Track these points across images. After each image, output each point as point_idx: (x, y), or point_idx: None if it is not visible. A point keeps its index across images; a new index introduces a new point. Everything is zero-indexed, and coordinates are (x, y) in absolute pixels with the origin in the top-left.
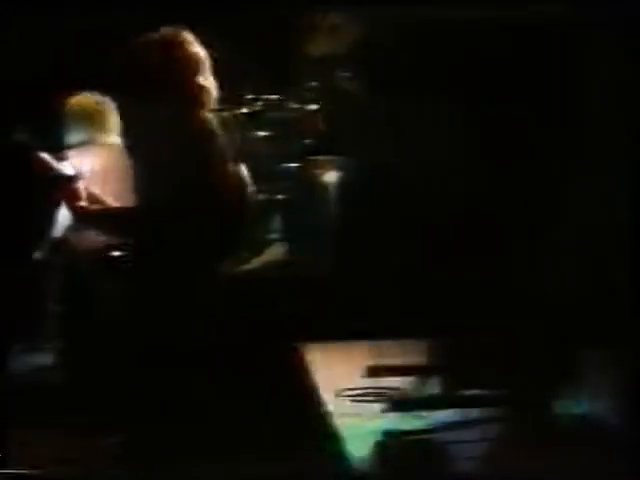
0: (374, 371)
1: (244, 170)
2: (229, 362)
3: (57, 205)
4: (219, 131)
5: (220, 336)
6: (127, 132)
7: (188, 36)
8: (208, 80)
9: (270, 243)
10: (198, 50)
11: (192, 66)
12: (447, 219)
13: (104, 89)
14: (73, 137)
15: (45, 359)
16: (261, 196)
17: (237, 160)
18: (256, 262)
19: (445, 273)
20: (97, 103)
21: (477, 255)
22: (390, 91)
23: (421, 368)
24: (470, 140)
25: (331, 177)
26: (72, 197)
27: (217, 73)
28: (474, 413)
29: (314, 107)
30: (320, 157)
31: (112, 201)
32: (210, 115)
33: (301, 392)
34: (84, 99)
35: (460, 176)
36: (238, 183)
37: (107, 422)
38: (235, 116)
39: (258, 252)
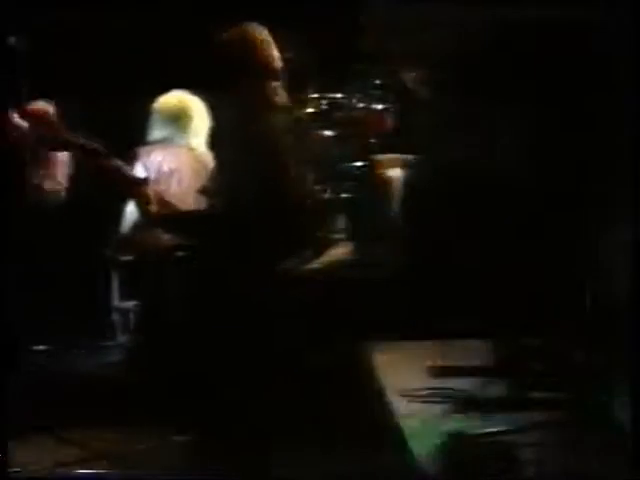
0: (439, 371)
1: (309, 170)
2: (293, 362)
3: (127, 205)
4: (286, 131)
5: (285, 335)
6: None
7: (267, 36)
8: (279, 81)
9: (335, 243)
10: (274, 51)
11: (267, 67)
12: (512, 220)
13: (183, 87)
14: (154, 135)
15: (110, 356)
16: (326, 195)
17: (303, 160)
18: (320, 262)
19: (511, 274)
20: (180, 102)
21: (543, 257)
22: (457, 90)
23: (486, 369)
24: (539, 141)
25: (397, 176)
26: (142, 199)
27: (285, 72)
28: (538, 415)
29: (380, 106)
30: (386, 156)
31: (181, 201)
32: (278, 116)
33: (366, 392)
34: (169, 98)
35: (527, 178)
36: (303, 183)
37: (173, 420)
38: (302, 116)
39: (322, 252)
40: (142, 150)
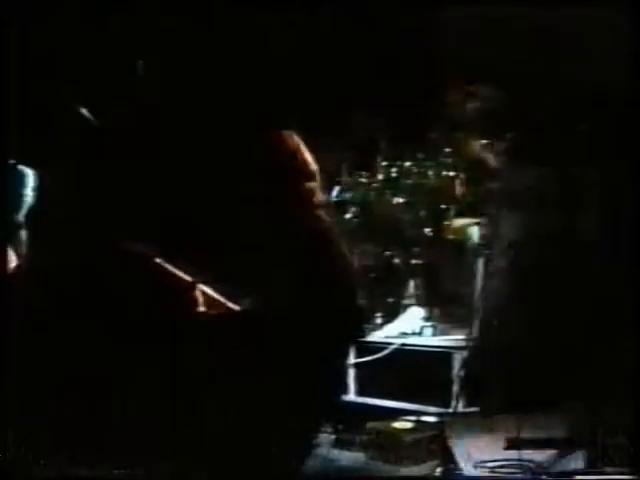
0: (515, 443)
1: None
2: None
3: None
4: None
5: (359, 407)
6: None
7: (300, 142)
8: (317, 182)
9: (405, 309)
10: (308, 156)
11: (305, 170)
12: (589, 288)
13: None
14: None
15: None
16: (396, 261)
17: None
18: (392, 328)
19: (590, 347)
20: None
21: (623, 331)
22: (527, 156)
23: (563, 441)
24: (615, 207)
25: (467, 242)
26: (190, 302)
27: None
28: None
29: (451, 173)
30: (456, 222)
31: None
32: (320, 212)
33: (442, 460)
34: None
35: (605, 247)
36: (349, 267)
37: None
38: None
39: (393, 318)
40: None
